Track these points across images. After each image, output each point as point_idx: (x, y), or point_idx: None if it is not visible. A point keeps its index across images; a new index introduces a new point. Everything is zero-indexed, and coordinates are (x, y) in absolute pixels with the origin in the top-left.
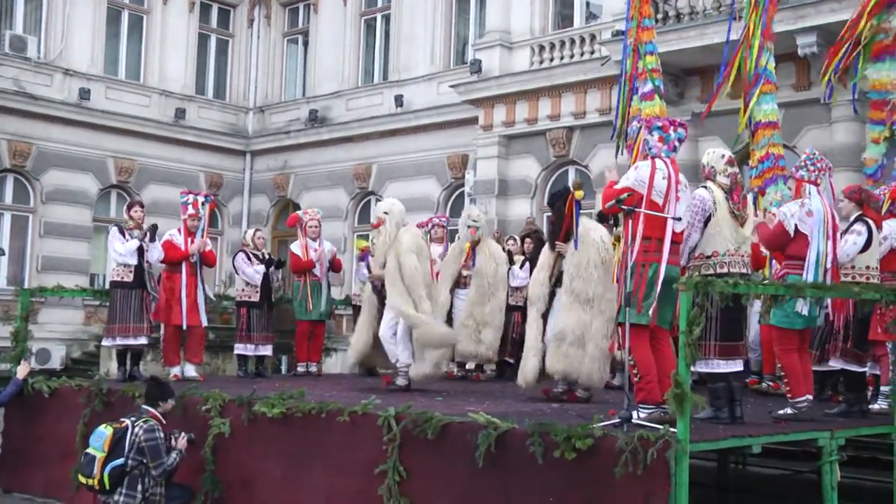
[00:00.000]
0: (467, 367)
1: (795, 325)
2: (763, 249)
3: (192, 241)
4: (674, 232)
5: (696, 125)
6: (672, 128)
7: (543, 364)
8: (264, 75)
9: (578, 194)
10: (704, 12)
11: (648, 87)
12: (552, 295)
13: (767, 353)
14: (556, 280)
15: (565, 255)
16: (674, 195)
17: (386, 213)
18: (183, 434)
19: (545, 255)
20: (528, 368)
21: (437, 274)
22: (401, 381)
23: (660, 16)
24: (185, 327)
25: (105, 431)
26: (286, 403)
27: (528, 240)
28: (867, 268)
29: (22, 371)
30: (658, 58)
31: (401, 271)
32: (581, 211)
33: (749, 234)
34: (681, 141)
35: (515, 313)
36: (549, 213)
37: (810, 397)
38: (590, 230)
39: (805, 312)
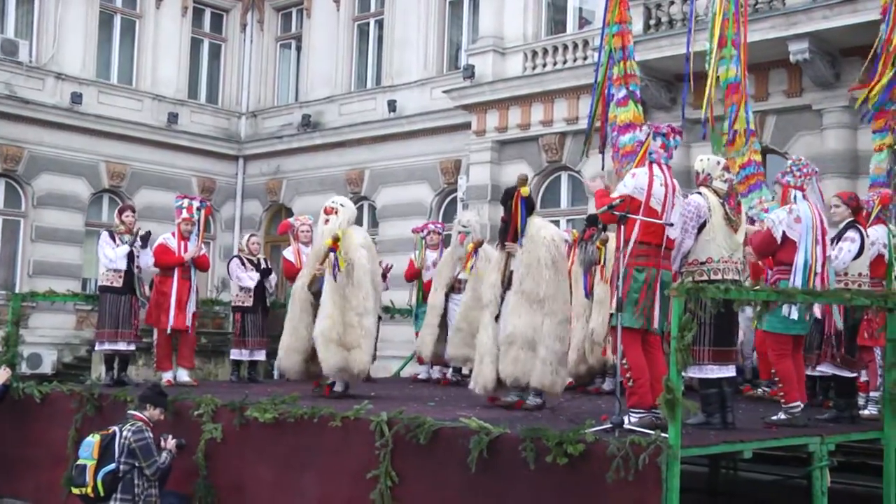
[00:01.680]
0: (463, 371)
1: (790, 331)
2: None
3: (186, 246)
4: (667, 238)
5: (687, 131)
6: (673, 135)
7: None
8: (257, 80)
9: (524, 191)
10: (697, 19)
11: (623, 92)
12: (504, 297)
13: (763, 359)
14: (508, 281)
15: (515, 255)
16: (671, 201)
17: (342, 205)
18: (171, 437)
19: (496, 256)
20: (485, 374)
21: (430, 280)
22: (339, 387)
23: (652, 21)
24: (169, 331)
25: (92, 440)
26: (278, 408)
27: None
28: (860, 274)
29: (1, 376)
30: (633, 63)
31: (351, 268)
32: (532, 208)
33: (742, 240)
34: (676, 148)
35: None
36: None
37: (800, 404)
38: (540, 229)
39: (794, 317)
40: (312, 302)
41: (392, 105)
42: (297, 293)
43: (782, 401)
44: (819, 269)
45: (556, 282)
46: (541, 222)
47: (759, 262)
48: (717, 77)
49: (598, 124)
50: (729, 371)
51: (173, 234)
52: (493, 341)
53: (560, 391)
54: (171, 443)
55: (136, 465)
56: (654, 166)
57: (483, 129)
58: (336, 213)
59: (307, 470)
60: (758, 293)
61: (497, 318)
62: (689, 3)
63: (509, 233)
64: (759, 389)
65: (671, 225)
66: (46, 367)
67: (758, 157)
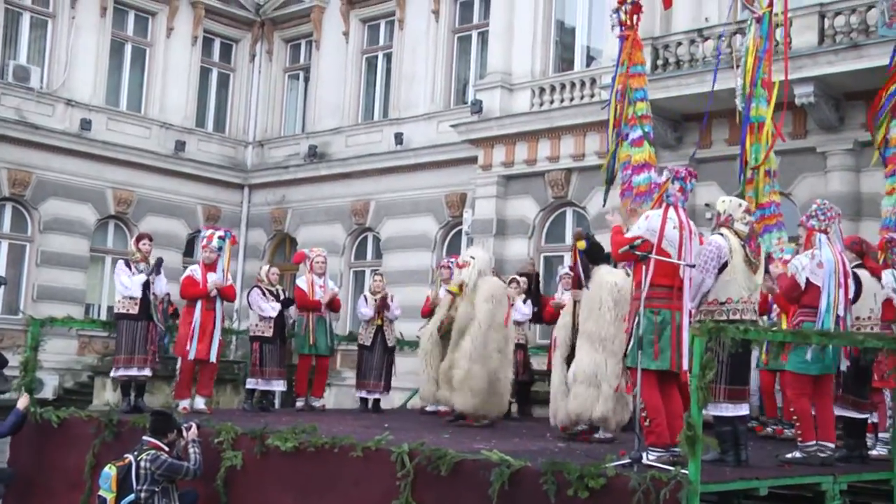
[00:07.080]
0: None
1: (810, 371)
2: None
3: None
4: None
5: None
6: (690, 178)
7: None
8: (264, 110)
9: (580, 245)
10: (704, 59)
11: (637, 133)
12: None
13: (767, 397)
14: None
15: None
16: (687, 244)
17: (472, 257)
18: (190, 423)
19: (568, 300)
20: (557, 412)
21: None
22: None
23: (660, 62)
24: (191, 357)
25: (110, 472)
26: (299, 437)
27: (523, 278)
28: (857, 318)
29: (22, 402)
30: (648, 104)
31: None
32: (597, 256)
33: (760, 281)
34: (692, 190)
35: (517, 351)
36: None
37: (829, 444)
38: (605, 275)
39: (809, 357)
40: (439, 342)
41: (399, 138)
42: (427, 332)
43: (799, 439)
44: (841, 312)
45: (618, 323)
46: (607, 269)
47: (769, 297)
48: (747, 116)
49: (610, 161)
50: (742, 409)
51: (199, 265)
52: (562, 380)
53: (615, 427)
54: (192, 431)
55: (157, 490)
56: (670, 209)
57: (489, 163)
58: (469, 265)
59: (327, 499)
60: (775, 334)
61: (568, 359)
62: (696, 45)
63: (573, 282)
64: (769, 428)
65: (693, 266)
66: (48, 392)
67: (777, 199)
